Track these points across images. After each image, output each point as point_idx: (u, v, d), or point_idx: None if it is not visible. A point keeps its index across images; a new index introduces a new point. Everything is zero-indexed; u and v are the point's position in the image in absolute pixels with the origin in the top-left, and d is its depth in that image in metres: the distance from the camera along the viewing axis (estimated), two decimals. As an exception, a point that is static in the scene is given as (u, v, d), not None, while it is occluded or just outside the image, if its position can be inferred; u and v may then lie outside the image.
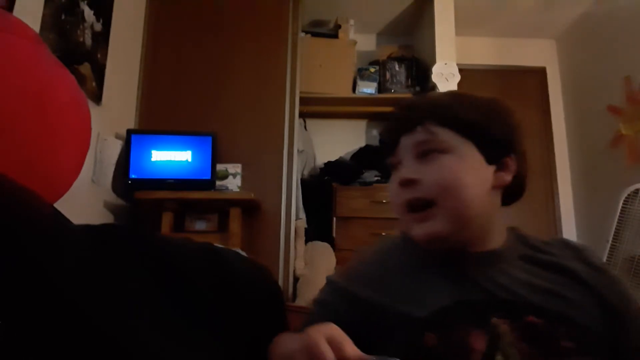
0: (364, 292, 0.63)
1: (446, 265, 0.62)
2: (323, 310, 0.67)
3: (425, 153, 0.61)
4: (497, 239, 0.64)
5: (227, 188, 2.16)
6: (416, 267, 0.64)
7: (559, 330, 0.56)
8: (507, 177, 0.63)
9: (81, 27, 1.78)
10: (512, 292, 0.59)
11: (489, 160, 0.62)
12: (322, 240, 2.57)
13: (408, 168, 0.61)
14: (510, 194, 0.66)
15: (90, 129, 0.70)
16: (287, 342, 0.51)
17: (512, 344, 0.54)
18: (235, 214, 2.06)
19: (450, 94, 0.71)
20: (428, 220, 0.59)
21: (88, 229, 0.51)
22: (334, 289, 0.69)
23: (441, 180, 0.59)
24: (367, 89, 2.98)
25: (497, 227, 0.65)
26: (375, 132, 3.28)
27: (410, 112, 0.65)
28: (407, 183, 0.61)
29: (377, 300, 0.61)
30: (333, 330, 0.43)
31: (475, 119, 0.62)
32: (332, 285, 0.70)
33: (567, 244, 0.67)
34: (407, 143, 0.63)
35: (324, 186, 2.79)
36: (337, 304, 0.65)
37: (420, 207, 0.60)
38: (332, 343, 0.41)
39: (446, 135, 0.61)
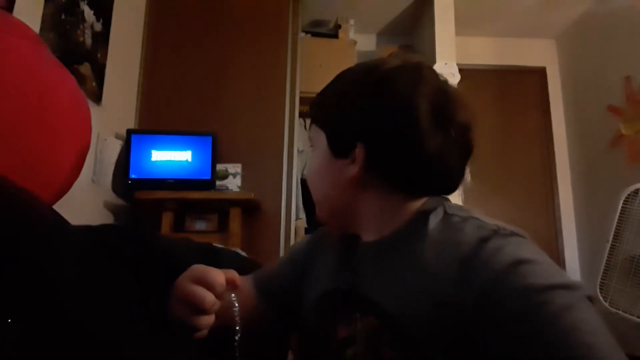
0: (291, 268, 0.76)
1: (340, 254, 0.68)
2: (282, 260, 0.81)
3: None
4: (384, 228, 0.59)
5: (227, 188, 2.16)
6: (325, 256, 0.71)
7: (385, 334, 0.52)
8: (353, 170, 0.58)
9: (81, 27, 1.78)
10: (370, 287, 0.56)
11: (335, 154, 0.61)
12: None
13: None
14: (409, 179, 0.58)
15: (90, 129, 0.70)
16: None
17: (361, 340, 0.56)
18: (235, 214, 2.06)
19: (332, 81, 0.67)
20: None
21: (87, 230, 0.51)
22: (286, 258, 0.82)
23: (307, 176, 0.68)
24: (367, 89, 2.98)
25: (372, 216, 0.61)
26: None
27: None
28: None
29: (302, 280, 0.72)
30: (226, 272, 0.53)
31: (324, 114, 0.65)
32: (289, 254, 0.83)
33: (458, 226, 0.53)
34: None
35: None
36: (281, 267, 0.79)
37: None
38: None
39: (312, 132, 0.66)
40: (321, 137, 0.63)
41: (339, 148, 0.60)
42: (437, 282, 0.49)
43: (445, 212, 0.56)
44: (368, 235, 0.62)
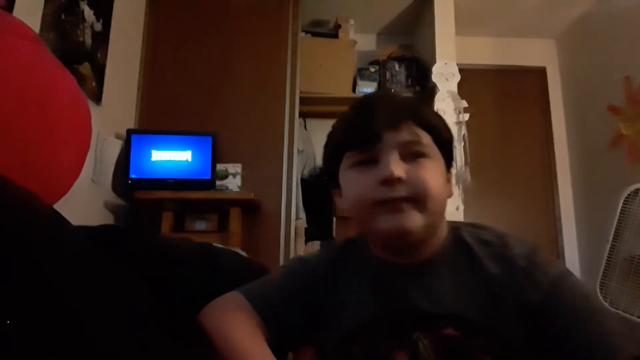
0: (305, 292, 0.68)
1: (377, 276, 0.64)
2: (287, 282, 0.70)
3: (410, 154, 0.60)
4: (433, 248, 0.64)
5: (227, 188, 2.16)
6: (352, 277, 0.66)
7: (476, 343, 0.55)
8: (450, 189, 0.65)
9: (81, 27, 1.78)
10: (436, 303, 0.59)
11: (447, 169, 0.65)
12: (322, 240, 2.57)
13: (397, 166, 0.58)
14: None
15: (90, 129, 0.70)
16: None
17: (431, 358, 0.55)
18: (235, 214, 2.06)
19: (408, 97, 0.70)
20: (402, 211, 0.58)
21: (87, 230, 0.51)
22: (294, 262, 0.74)
23: (426, 183, 0.59)
24: (367, 88, 2.98)
25: (436, 236, 0.64)
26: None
27: (391, 108, 0.63)
28: (396, 182, 0.58)
29: (318, 305, 0.66)
30: None
31: (446, 134, 0.65)
32: (294, 260, 0.75)
33: (504, 243, 0.63)
34: (391, 141, 0.60)
35: (324, 186, 2.78)
36: (294, 275, 0.71)
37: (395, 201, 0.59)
38: None
39: (426, 139, 0.62)
40: (436, 152, 0.63)
41: (448, 165, 0.65)
42: (505, 289, 0.58)
43: (460, 228, 0.66)
44: (412, 257, 0.63)
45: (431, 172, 0.60)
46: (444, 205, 0.62)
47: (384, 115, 0.62)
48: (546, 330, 0.56)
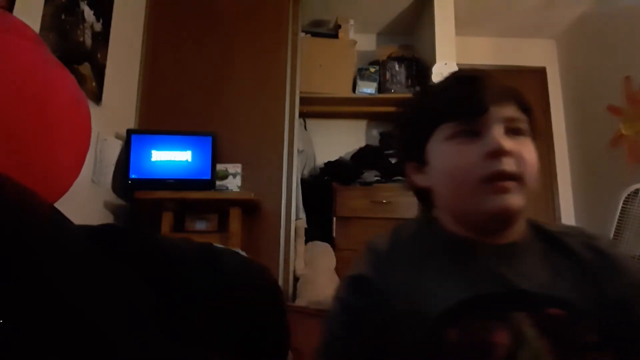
0: (380, 278, 0.60)
1: (465, 256, 0.61)
2: (342, 312, 0.63)
3: (514, 131, 0.60)
4: (518, 229, 0.63)
5: (227, 188, 2.16)
6: (433, 257, 0.62)
7: (580, 324, 0.55)
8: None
9: (81, 27, 1.78)
10: (534, 283, 0.57)
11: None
12: (322, 240, 2.57)
13: (505, 140, 0.57)
14: None
15: (90, 129, 0.70)
16: None
17: (536, 338, 0.53)
18: (235, 214, 2.06)
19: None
20: (509, 192, 0.57)
21: (87, 229, 0.51)
22: (349, 283, 0.64)
23: (531, 161, 0.59)
24: (367, 89, 2.98)
25: (522, 217, 0.64)
26: (375, 132, 3.28)
27: (496, 84, 0.63)
28: (505, 154, 0.57)
29: (393, 289, 0.59)
30: None
31: (534, 111, 0.65)
32: (347, 281, 0.64)
33: (582, 233, 0.66)
34: (497, 115, 0.59)
35: (324, 186, 2.79)
36: (354, 300, 0.62)
37: (505, 179, 0.57)
38: None
39: (525, 119, 0.62)
40: (529, 132, 0.62)
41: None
42: (600, 275, 0.60)
43: (531, 218, 0.67)
44: (500, 237, 0.62)
45: (530, 150, 0.60)
46: (536, 186, 0.61)
47: (491, 88, 0.61)
48: (633, 318, 0.57)
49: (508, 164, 0.57)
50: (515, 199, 0.57)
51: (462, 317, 0.55)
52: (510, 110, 0.60)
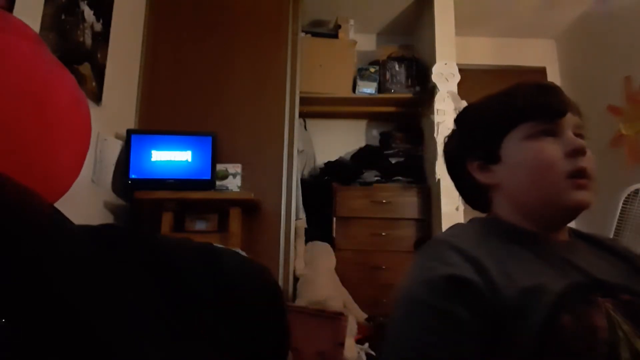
0: (481, 279, 0.56)
1: (541, 250, 0.65)
2: (435, 319, 0.55)
3: (579, 137, 0.67)
4: (567, 230, 0.71)
5: (227, 188, 2.16)
6: (513, 252, 0.63)
7: None
8: None
9: (81, 27, 1.78)
10: (602, 274, 0.62)
11: None
12: (322, 240, 2.57)
13: (581, 140, 0.66)
14: None
15: (90, 129, 0.70)
16: None
17: (623, 321, 0.56)
18: (235, 214, 2.06)
19: None
20: (588, 189, 0.65)
21: (87, 229, 0.51)
22: (440, 286, 0.56)
23: (594, 161, 0.66)
24: (367, 89, 2.98)
25: None
26: (375, 132, 3.28)
27: (570, 99, 0.70)
28: (583, 153, 0.65)
29: (498, 283, 0.56)
30: None
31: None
32: (439, 280, 0.57)
33: (603, 236, 0.76)
34: (571, 120, 0.67)
35: (324, 186, 2.79)
36: (451, 305, 0.55)
37: (584, 176, 0.65)
38: None
39: (582, 125, 0.70)
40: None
41: None
42: (633, 264, 0.67)
43: None
44: (560, 234, 0.69)
45: (592, 155, 0.67)
46: None
47: (566, 97, 0.70)
48: None
49: (587, 161, 0.65)
50: (590, 196, 0.65)
51: (570, 303, 0.56)
52: (578, 119, 0.69)
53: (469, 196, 0.79)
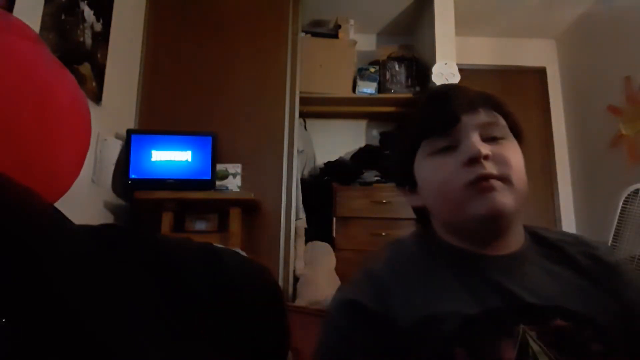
0: (379, 306, 0.58)
1: (465, 269, 0.60)
2: (336, 334, 0.60)
3: (489, 136, 0.60)
4: (517, 239, 0.64)
5: (227, 188, 2.16)
6: (434, 273, 0.61)
7: (586, 333, 0.55)
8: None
9: (81, 27, 1.78)
10: (538, 295, 0.57)
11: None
12: (322, 240, 2.57)
13: (481, 145, 0.58)
14: None
15: (90, 129, 0.70)
16: None
17: (542, 351, 0.53)
18: (235, 214, 2.06)
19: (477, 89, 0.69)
20: (495, 190, 0.57)
21: (87, 229, 0.51)
22: (344, 307, 0.61)
23: (512, 161, 0.59)
24: (367, 89, 2.98)
25: (519, 225, 0.64)
26: (375, 132, 3.28)
27: (467, 94, 0.64)
28: (483, 158, 0.57)
29: (398, 313, 0.57)
30: None
31: (513, 113, 0.65)
32: (341, 304, 0.62)
33: (579, 240, 0.66)
34: (471, 123, 0.60)
35: (324, 186, 2.79)
36: (350, 326, 0.59)
37: (486, 181, 0.58)
38: None
39: (503, 122, 0.63)
40: (511, 134, 0.63)
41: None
42: (601, 284, 0.60)
43: (530, 226, 0.69)
44: (499, 248, 0.61)
45: (513, 152, 0.60)
46: (527, 189, 0.60)
47: (461, 98, 0.62)
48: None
49: (489, 167, 0.57)
50: (502, 197, 0.57)
51: (470, 335, 0.54)
52: (484, 116, 0.61)
53: (415, 215, 0.74)
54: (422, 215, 0.70)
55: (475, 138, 0.59)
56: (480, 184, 0.57)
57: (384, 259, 0.66)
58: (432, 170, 0.62)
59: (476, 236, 0.62)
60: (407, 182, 0.69)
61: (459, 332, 0.54)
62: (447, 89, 0.67)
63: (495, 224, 0.59)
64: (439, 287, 0.59)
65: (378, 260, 0.65)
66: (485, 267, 0.60)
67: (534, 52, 3.52)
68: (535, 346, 0.53)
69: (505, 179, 0.57)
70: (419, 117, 0.67)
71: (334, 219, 2.70)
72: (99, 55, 1.91)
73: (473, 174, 0.57)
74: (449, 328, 0.54)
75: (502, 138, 0.61)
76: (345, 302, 0.61)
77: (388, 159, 0.73)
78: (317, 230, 2.64)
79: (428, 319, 0.56)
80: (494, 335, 0.54)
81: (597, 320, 0.56)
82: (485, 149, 0.58)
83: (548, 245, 0.65)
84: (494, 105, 0.63)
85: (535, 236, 0.66)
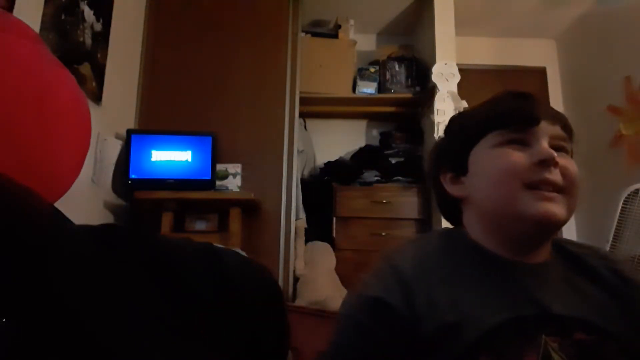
0: (404, 305, 0.57)
1: (496, 274, 0.61)
2: (359, 331, 0.59)
3: (557, 148, 0.61)
4: (548, 249, 0.65)
5: (227, 188, 2.16)
6: (463, 274, 0.61)
7: (608, 348, 0.55)
8: None
9: (81, 27, 1.78)
10: (562, 306, 0.57)
11: None
12: (322, 240, 2.57)
13: (553, 151, 0.59)
14: None
15: (90, 129, 0.70)
16: None
17: None
18: (235, 214, 2.06)
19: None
20: (555, 202, 0.58)
21: (87, 229, 0.51)
22: (369, 304, 0.60)
23: (575, 175, 0.60)
24: (367, 89, 2.98)
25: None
26: (375, 132, 3.28)
27: (548, 105, 0.66)
28: (554, 164, 0.59)
29: (422, 314, 0.56)
30: None
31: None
32: (366, 301, 0.60)
33: (599, 254, 0.67)
34: (547, 129, 0.62)
35: (324, 186, 2.79)
36: (374, 324, 0.58)
37: (549, 189, 0.59)
38: None
39: (570, 142, 0.64)
40: (571, 152, 0.65)
41: None
42: (625, 299, 0.60)
43: (555, 238, 0.68)
44: (532, 256, 0.62)
45: (575, 169, 0.61)
46: (576, 205, 0.61)
47: (544, 105, 0.64)
48: None
49: (556, 174, 0.59)
50: (558, 208, 0.58)
51: (494, 342, 0.54)
52: (560, 130, 0.63)
53: (443, 209, 0.75)
54: (454, 210, 0.70)
55: (545, 144, 0.60)
56: (541, 192, 0.58)
57: (409, 254, 0.64)
58: (498, 159, 0.62)
59: (516, 239, 0.62)
60: (457, 169, 0.68)
61: (484, 338, 0.54)
62: (530, 93, 0.67)
63: (542, 229, 0.60)
64: (466, 289, 0.59)
65: (403, 257, 0.64)
66: (515, 274, 0.60)
67: (534, 52, 3.52)
68: (557, 358, 0.53)
69: (566, 191, 0.59)
70: (496, 107, 0.66)
71: (334, 219, 2.70)
72: (99, 55, 1.91)
73: (540, 175, 0.58)
74: (474, 334, 0.54)
75: (567, 153, 0.63)
76: (370, 298, 0.60)
77: (439, 144, 0.71)
78: (317, 230, 2.64)
79: (453, 323, 0.55)
80: (518, 344, 0.54)
81: (619, 335, 0.56)
82: (557, 156, 0.59)
83: (569, 256, 0.66)
84: (567, 127, 0.65)
85: (557, 247, 0.67)
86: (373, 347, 0.57)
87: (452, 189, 0.69)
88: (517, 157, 0.60)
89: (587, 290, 0.61)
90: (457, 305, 0.56)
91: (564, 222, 0.59)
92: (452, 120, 0.75)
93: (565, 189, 0.59)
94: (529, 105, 0.63)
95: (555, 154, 0.59)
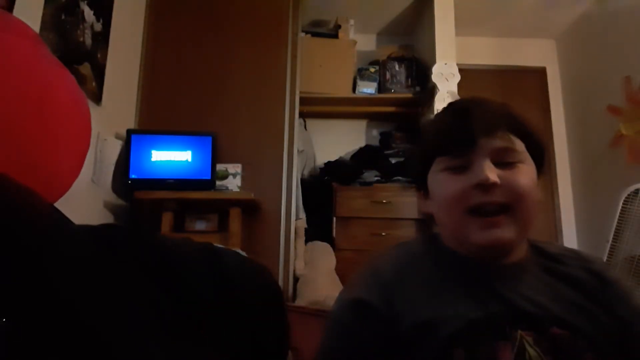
0: (384, 305, 0.60)
1: (469, 276, 0.63)
2: (342, 332, 0.63)
3: (500, 163, 0.61)
4: (520, 250, 0.65)
5: (227, 188, 2.16)
6: (438, 277, 0.64)
7: (581, 343, 0.57)
8: (540, 192, 0.64)
9: (81, 27, 1.78)
10: (536, 304, 0.59)
11: (538, 175, 0.65)
12: (322, 240, 2.57)
13: (491, 171, 0.59)
14: None
15: (90, 129, 0.70)
16: None
17: (538, 356, 0.55)
18: (235, 214, 2.06)
19: (502, 104, 0.69)
20: (498, 226, 0.59)
21: (87, 229, 0.51)
22: (351, 306, 0.64)
23: (521, 189, 0.59)
24: (367, 89, 2.98)
25: (526, 237, 0.66)
26: (375, 132, 3.28)
27: (487, 114, 0.64)
28: (491, 186, 0.58)
29: (400, 313, 0.60)
30: None
31: (536, 134, 0.66)
32: (348, 302, 0.64)
33: (578, 256, 0.68)
34: (486, 146, 0.61)
35: (324, 186, 2.79)
36: (356, 324, 0.62)
37: (491, 212, 0.59)
38: None
39: (520, 146, 0.63)
40: (528, 158, 0.63)
41: (540, 172, 0.65)
42: (598, 298, 0.62)
43: (533, 240, 0.70)
44: (502, 258, 0.63)
45: (523, 177, 0.60)
46: (535, 210, 0.62)
47: (480, 121, 0.62)
48: (631, 347, 0.59)
49: (493, 195, 0.59)
50: (504, 233, 0.59)
51: (469, 337, 0.56)
52: (500, 141, 0.61)
53: (425, 219, 0.77)
54: (430, 220, 0.72)
55: (487, 164, 0.60)
56: (485, 220, 0.59)
57: (390, 259, 0.68)
58: (443, 184, 0.63)
59: (478, 253, 0.64)
60: (422, 188, 0.71)
61: (460, 334, 0.57)
62: (469, 105, 0.66)
63: (494, 252, 0.62)
64: (443, 291, 0.62)
65: (384, 260, 0.68)
66: (488, 276, 0.62)
67: (534, 52, 3.52)
68: (531, 351, 0.55)
69: (509, 209, 0.59)
70: (437, 132, 0.68)
71: (334, 219, 2.70)
72: (99, 55, 1.91)
73: (480, 198, 0.59)
74: (450, 330, 0.57)
75: (517, 162, 0.61)
76: (352, 300, 0.63)
77: (409, 156, 0.75)
78: (317, 230, 2.64)
79: (430, 321, 0.58)
80: (492, 339, 0.56)
81: (590, 332, 0.58)
82: (494, 175, 0.58)
83: (548, 258, 0.67)
84: (514, 126, 0.63)
85: (536, 249, 0.68)
86: (356, 347, 0.60)
87: (423, 205, 0.71)
88: (457, 183, 0.61)
89: (561, 289, 0.62)
90: (433, 304, 0.60)
91: (514, 241, 0.60)
92: (418, 138, 0.75)
93: (512, 205, 0.59)
94: (465, 126, 0.62)
95: (490, 176, 0.58)
